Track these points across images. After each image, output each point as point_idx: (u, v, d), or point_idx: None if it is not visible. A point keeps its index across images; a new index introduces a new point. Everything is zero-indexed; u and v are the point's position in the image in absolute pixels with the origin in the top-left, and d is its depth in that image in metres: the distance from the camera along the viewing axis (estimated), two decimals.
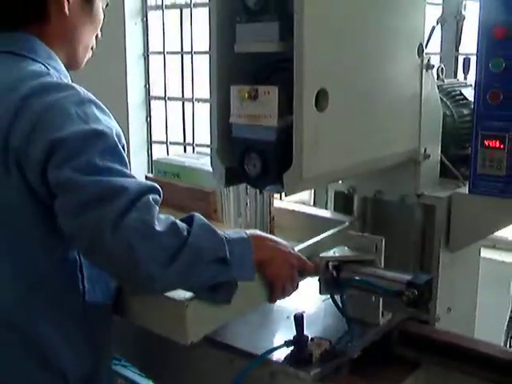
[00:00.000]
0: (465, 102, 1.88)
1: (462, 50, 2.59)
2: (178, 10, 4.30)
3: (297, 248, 1.60)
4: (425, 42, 1.67)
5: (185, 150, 4.36)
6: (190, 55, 4.21)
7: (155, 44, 4.40)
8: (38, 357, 1.36)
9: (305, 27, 1.26)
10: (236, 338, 1.56)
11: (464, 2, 2.44)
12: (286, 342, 1.45)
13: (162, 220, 1.24)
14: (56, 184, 1.24)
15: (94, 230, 1.21)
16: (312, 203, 3.62)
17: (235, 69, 1.41)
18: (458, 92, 1.91)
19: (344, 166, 1.47)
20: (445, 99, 1.86)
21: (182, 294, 1.36)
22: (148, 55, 4.42)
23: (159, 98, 4.46)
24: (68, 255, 1.36)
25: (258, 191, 1.72)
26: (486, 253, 2.48)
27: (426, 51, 1.66)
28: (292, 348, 1.45)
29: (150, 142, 4.54)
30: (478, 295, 1.99)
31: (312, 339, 1.46)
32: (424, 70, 1.64)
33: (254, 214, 1.79)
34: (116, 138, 1.31)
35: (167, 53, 4.33)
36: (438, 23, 2.21)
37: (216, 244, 1.30)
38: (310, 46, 1.28)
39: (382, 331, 1.60)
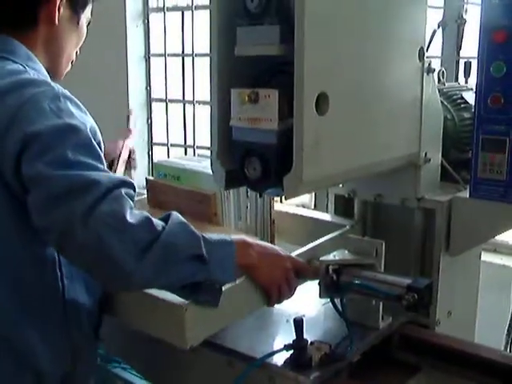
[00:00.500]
0: (466, 105, 1.88)
1: (462, 53, 2.59)
2: (180, 13, 4.30)
3: (297, 251, 1.60)
4: (426, 46, 1.67)
5: (185, 152, 4.36)
6: (191, 57, 4.21)
7: (156, 46, 4.40)
8: (13, 355, 1.36)
9: (305, 30, 1.26)
10: (235, 341, 1.56)
11: (465, 6, 2.44)
12: (285, 345, 1.45)
13: (135, 214, 1.25)
14: (28, 178, 1.26)
15: (64, 224, 1.21)
16: (312, 206, 3.63)
17: (236, 72, 1.41)
18: (459, 96, 1.91)
19: (344, 170, 1.46)
20: (446, 103, 1.85)
21: (180, 298, 1.36)
22: (149, 57, 4.42)
23: (160, 100, 4.45)
24: (46, 252, 1.37)
25: (258, 194, 1.72)
26: (486, 256, 2.48)
27: (426, 55, 1.65)
28: (291, 352, 1.44)
29: (150, 144, 4.54)
30: (479, 299, 1.98)
31: (312, 343, 1.46)
32: (425, 74, 1.64)
33: (254, 218, 1.78)
34: (90, 134, 1.32)
35: (168, 55, 4.33)
36: (439, 27, 2.20)
37: (191, 241, 1.31)
38: (310, 50, 1.27)
39: (382, 335, 1.60)
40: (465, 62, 2.11)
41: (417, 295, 1.38)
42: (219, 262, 1.34)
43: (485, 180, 1.59)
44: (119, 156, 2.15)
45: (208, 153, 2.62)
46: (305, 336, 1.45)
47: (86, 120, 1.35)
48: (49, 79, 1.46)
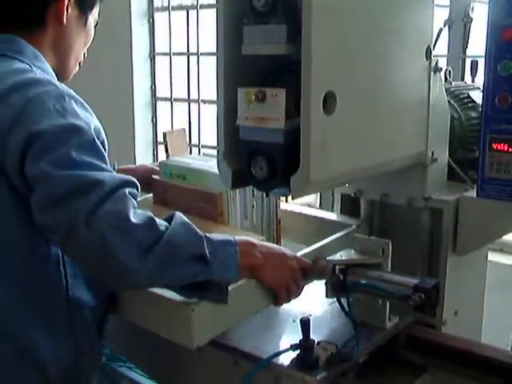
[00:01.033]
0: (473, 104, 1.87)
1: (469, 52, 2.57)
2: (185, 12, 4.30)
3: (303, 251, 1.60)
4: (433, 45, 1.66)
5: (190, 152, 4.36)
6: (196, 56, 4.21)
7: (161, 45, 4.40)
8: (18, 352, 1.37)
9: (312, 30, 1.25)
10: (242, 341, 1.55)
11: (471, 4, 2.43)
12: (291, 345, 1.44)
13: (138, 213, 1.25)
14: (32, 177, 1.26)
15: (68, 223, 1.21)
16: (318, 206, 3.63)
17: (242, 71, 1.40)
18: (466, 95, 1.90)
19: (351, 169, 1.46)
20: (452, 102, 1.85)
21: (187, 298, 1.35)
22: (154, 56, 4.43)
23: (165, 99, 4.46)
24: (49, 250, 1.37)
25: (264, 194, 1.72)
26: (493, 256, 2.48)
27: (433, 54, 1.65)
28: (298, 352, 1.44)
29: (155, 143, 4.54)
30: (485, 299, 1.97)
31: (318, 343, 1.46)
32: (432, 73, 1.63)
33: (260, 217, 1.78)
34: (94, 134, 1.32)
35: (173, 54, 4.33)
36: (445, 25, 2.19)
37: (194, 241, 1.30)
38: (317, 49, 1.27)
39: (389, 335, 1.59)
40: (471, 61, 2.10)
41: (424, 295, 1.38)
42: (222, 261, 1.34)
43: (492, 179, 1.58)
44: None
45: (213, 152, 2.61)
46: (311, 336, 1.44)
47: (90, 120, 1.35)
48: (55, 79, 1.46)
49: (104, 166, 1.30)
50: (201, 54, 4.16)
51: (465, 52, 2.54)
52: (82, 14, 1.55)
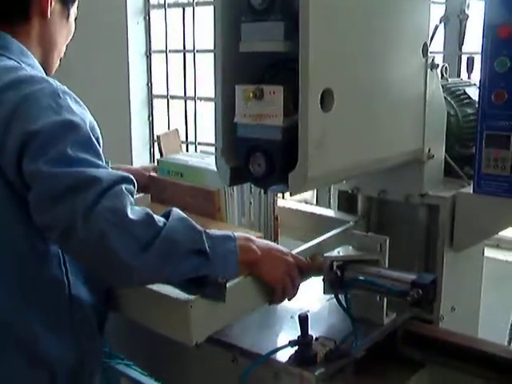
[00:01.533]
0: (469, 101, 1.88)
1: (465, 49, 2.58)
2: (181, 9, 4.29)
3: (301, 247, 1.61)
4: (429, 42, 1.66)
5: (187, 149, 4.36)
6: (192, 54, 4.21)
7: (158, 43, 4.40)
8: (23, 350, 1.37)
9: (310, 27, 1.26)
10: (240, 338, 1.56)
11: (467, 1, 2.43)
12: (290, 341, 1.45)
13: (136, 210, 1.25)
14: (29, 175, 1.26)
15: (66, 221, 1.22)
16: (314, 202, 3.63)
17: (240, 68, 1.41)
18: (462, 91, 1.90)
19: (349, 166, 1.46)
20: (449, 98, 1.85)
21: (185, 295, 1.36)
22: (150, 54, 4.42)
23: (161, 97, 4.45)
24: (50, 249, 1.37)
25: (262, 191, 1.72)
26: (489, 252, 2.48)
27: (429, 51, 1.65)
28: (296, 348, 1.44)
29: (152, 141, 4.54)
30: (482, 295, 1.98)
31: (316, 339, 1.46)
32: (429, 70, 1.64)
33: (257, 214, 1.78)
34: (89, 130, 1.32)
35: (169, 51, 4.33)
36: (441, 22, 2.19)
37: (192, 236, 1.31)
38: (315, 46, 1.27)
39: (387, 331, 1.60)
40: (467, 58, 2.11)
41: (421, 291, 1.39)
42: (222, 256, 1.35)
43: (489, 175, 1.59)
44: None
45: (210, 149, 2.62)
46: (309, 332, 1.45)
47: (85, 116, 1.36)
48: (44, 74, 1.46)
49: (99, 162, 1.30)
50: (197, 51, 4.16)
51: (461, 49, 2.55)
52: (65, 8, 1.54)
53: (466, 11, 2.36)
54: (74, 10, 1.59)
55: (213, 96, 1.47)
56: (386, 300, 1.58)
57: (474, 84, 1.95)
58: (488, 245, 2.29)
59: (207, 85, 3.93)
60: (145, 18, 4.37)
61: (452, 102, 1.86)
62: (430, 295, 1.41)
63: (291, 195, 1.42)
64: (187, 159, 1.89)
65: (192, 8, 4.12)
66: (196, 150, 4.20)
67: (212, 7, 1.42)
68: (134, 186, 1.33)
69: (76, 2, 1.60)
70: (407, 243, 1.74)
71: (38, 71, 1.46)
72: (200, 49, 4.12)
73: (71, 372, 1.43)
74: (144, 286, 1.38)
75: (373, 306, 1.59)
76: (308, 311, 1.49)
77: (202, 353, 1.51)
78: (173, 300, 1.37)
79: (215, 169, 1.49)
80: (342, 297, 1.52)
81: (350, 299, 1.51)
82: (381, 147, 1.53)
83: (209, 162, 1.78)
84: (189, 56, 4.27)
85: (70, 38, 1.62)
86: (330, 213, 1.96)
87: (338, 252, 1.56)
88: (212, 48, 1.44)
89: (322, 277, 1.54)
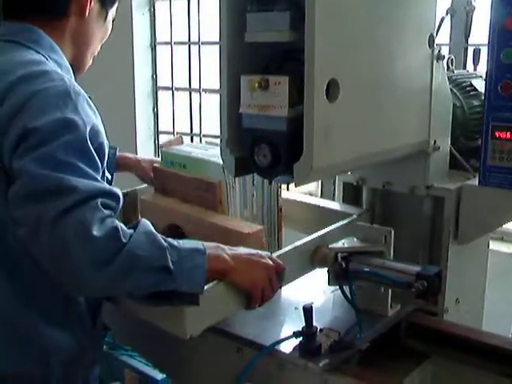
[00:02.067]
0: (475, 93, 1.87)
1: (471, 41, 2.57)
2: (186, 0, 4.29)
3: (306, 239, 1.60)
4: (435, 33, 1.65)
5: (191, 141, 4.36)
6: (197, 45, 4.20)
7: (162, 34, 4.39)
8: (20, 340, 1.38)
9: (316, 17, 1.25)
10: (244, 328, 1.56)
11: None
12: (294, 332, 1.45)
13: (103, 225, 1.23)
14: (16, 170, 1.27)
15: (34, 221, 1.22)
16: (319, 194, 3.63)
17: (245, 58, 1.40)
18: (468, 83, 1.90)
19: (354, 157, 1.46)
20: (455, 90, 1.84)
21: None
22: (155, 45, 4.42)
23: (166, 89, 4.45)
24: None
25: (264, 182, 1.72)
26: (494, 245, 2.48)
27: (435, 42, 1.64)
28: (301, 339, 1.45)
29: (156, 133, 4.54)
30: (486, 287, 1.98)
31: (321, 330, 1.46)
32: (435, 61, 1.63)
33: (260, 206, 1.78)
34: (88, 134, 1.31)
35: (174, 43, 4.33)
36: (447, 14, 2.18)
37: (155, 252, 1.29)
38: (321, 36, 1.27)
39: (391, 323, 1.60)
40: (474, 50, 2.10)
41: (426, 283, 1.39)
42: (187, 271, 1.32)
43: (494, 168, 1.58)
44: None
45: (214, 141, 2.61)
46: (314, 323, 1.45)
47: (90, 119, 1.35)
48: (70, 72, 1.47)
49: (88, 170, 1.28)
50: (202, 43, 4.15)
51: (467, 41, 2.53)
52: (103, 9, 1.56)
53: (473, 3, 2.35)
54: (112, 12, 1.61)
55: (218, 88, 1.47)
56: (390, 292, 1.58)
57: (480, 76, 1.94)
58: (493, 238, 2.29)
59: (212, 77, 3.94)
60: (150, 9, 4.37)
61: (458, 94, 1.85)
62: (434, 287, 1.41)
63: (296, 186, 1.42)
64: (190, 150, 1.89)
65: None
66: (201, 142, 4.20)
67: None
68: (118, 201, 1.31)
69: (115, 5, 1.61)
70: (412, 235, 1.74)
71: (64, 68, 1.46)
72: (205, 41, 4.12)
73: (67, 366, 1.43)
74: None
75: (377, 298, 1.59)
76: (312, 302, 1.48)
77: (207, 343, 1.52)
78: None
79: (218, 160, 1.49)
80: (346, 288, 1.51)
81: (354, 291, 1.51)
82: (386, 138, 1.53)
83: (212, 154, 1.78)
84: (194, 48, 4.27)
85: (105, 39, 1.63)
86: (334, 205, 1.96)
87: (343, 243, 1.56)
88: (217, 40, 1.43)
89: (326, 268, 1.54)
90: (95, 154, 1.32)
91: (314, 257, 1.61)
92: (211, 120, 4.16)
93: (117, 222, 1.27)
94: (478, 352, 1.53)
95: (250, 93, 1.36)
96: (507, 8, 1.50)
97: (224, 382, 1.54)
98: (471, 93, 1.87)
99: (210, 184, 1.74)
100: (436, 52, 1.63)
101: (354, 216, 1.80)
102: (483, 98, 1.60)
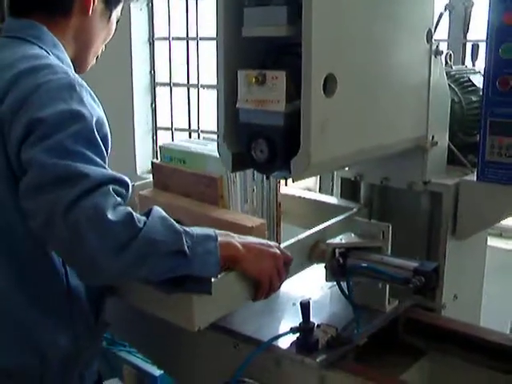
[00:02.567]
0: (473, 88, 1.87)
1: (469, 36, 2.57)
2: None
3: (303, 234, 1.60)
4: (434, 28, 1.65)
5: (190, 137, 4.36)
6: (195, 41, 4.20)
7: (160, 30, 4.38)
8: (17, 335, 1.38)
9: (313, 11, 1.25)
10: (242, 324, 1.56)
11: None
12: (292, 328, 1.45)
13: (117, 210, 1.24)
14: (25, 162, 1.27)
15: (47, 212, 1.22)
16: (317, 190, 3.63)
17: (243, 53, 1.40)
18: (467, 78, 1.89)
19: (351, 152, 1.46)
20: (453, 86, 1.84)
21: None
22: (153, 41, 4.41)
23: (164, 84, 4.44)
24: None
25: (264, 177, 1.71)
26: (492, 241, 2.48)
27: (434, 38, 1.64)
28: (298, 334, 1.45)
29: (155, 129, 4.54)
30: (484, 283, 1.98)
31: (318, 326, 1.46)
32: (433, 56, 1.62)
33: (260, 200, 1.78)
34: (95, 125, 1.32)
35: (173, 38, 4.32)
36: (445, 9, 2.18)
37: (172, 237, 1.29)
38: (318, 31, 1.26)
39: (389, 318, 1.60)
40: (472, 45, 2.09)
41: (424, 278, 1.39)
42: (201, 256, 1.32)
43: (492, 163, 1.58)
44: None
45: (213, 136, 2.61)
46: (311, 319, 1.45)
47: (95, 111, 1.35)
48: (72, 69, 1.46)
49: (97, 159, 1.29)
50: (200, 38, 4.15)
51: (465, 36, 2.54)
52: (107, 9, 1.56)
53: None
54: (116, 12, 1.61)
55: (216, 84, 1.46)
56: (388, 287, 1.58)
57: (479, 71, 1.94)
58: (491, 234, 2.29)
59: (210, 72, 3.93)
60: (148, 4, 4.36)
61: (456, 90, 1.85)
62: (432, 283, 1.41)
63: (293, 181, 1.42)
64: (190, 146, 1.88)
65: None
66: (199, 138, 4.20)
67: None
68: (127, 188, 1.31)
69: (120, 5, 1.61)
70: (410, 231, 1.74)
71: (66, 64, 1.46)
72: (203, 36, 4.11)
73: (65, 361, 1.43)
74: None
75: (375, 294, 1.59)
76: (310, 298, 1.49)
77: (205, 339, 1.52)
78: None
79: (218, 155, 1.49)
80: (344, 284, 1.51)
81: (352, 286, 1.51)
82: (384, 133, 1.52)
83: (211, 149, 1.77)
84: (192, 44, 4.26)
85: (108, 38, 1.63)
86: (332, 200, 1.96)
87: (341, 239, 1.56)
88: (215, 35, 1.43)
89: (324, 264, 1.54)
90: (102, 145, 1.32)
91: (311, 252, 1.60)
92: (209, 116, 4.16)
93: (129, 208, 1.27)
94: (476, 348, 1.54)
95: (247, 88, 1.36)
96: (505, 3, 1.50)
97: (222, 378, 1.54)
98: (469, 88, 1.87)
99: (211, 179, 1.74)
100: (434, 47, 1.63)
101: (354, 211, 1.80)
102: (481, 93, 1.60)
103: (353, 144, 1.44)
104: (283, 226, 1.84)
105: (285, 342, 1.46)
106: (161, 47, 4.43)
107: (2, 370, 1.38)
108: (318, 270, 1.60)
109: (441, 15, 2.08)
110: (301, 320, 1.44)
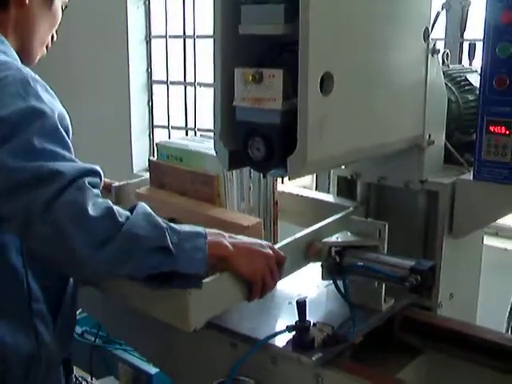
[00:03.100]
0: (470, 87, 1.87)
1: (466, 35, 2.56)
2: None
3: (300, 233, 1.60)
4: (431, 27, 1.65)
5: (186, 135, 4.35)
6: (192, 39, 4.19)
7: (157, 28, 4.38)
8: None
9: (310, 9, 1.25)
10: (238, 323, 1.56)
11: None
12: (288, 326, 1.45)
13: (97, 204, 1.23)
14: None
15: (23, 214, 1.20)
16: (314, 188, 3.63)
17: (240, 51, 1.39)
18: (464, 78, 1.89)
19: (348, 151, 1.45)
20: (450, 85, 1.84)
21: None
22: (150, 39, 4.40)
23: (161, 82, 4.44)
24: (6, 238, 1.35)
25: (261, 175, 1.71)
26: (488, 240, 2.48)
27: (430, 37, 1.64)
28: (294, 333, 1.44)
29: (151, 127, 4.53)
30: (481, 282, 1.98)
31: (314, 324, 1.46)
32: (430, 55, 1.62)
33: (257, 199, 1.78)
34: (57, 120, 1.29)
35: (169, 37, 4.31)
36: (442, 8, 2.18)
37: (155, 232, 1.28)
38: (315, 29, 1.26)
39: (385, 317, 1.60)
40: (469, 44, 2.09)
41: (420, 277, 1.39)
42: (188, 253, 1.31)
43: (489, 162, 1.58)
44: None
45: (210, 134, 2.61)
46: (307, 317, 1.44)
47: (54, 105, 1.32)
48: (19, 63, 1.42)
49: (66, 153, 1.27)
50: (197, 36, 4.14)
51: (462, 35, 2.53)
52: None
53: None
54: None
55: (212, 82, 1.46)
56: (384, 286, 1.58)
57: (476, 71, 1.94)
58: (487, 233, 2.29)
59: (207, 70, 3.93)
60: (144, 2, 4.35)
61: (453, 89, 1.85)
62: (428, 281, 1.41)
63: (290, 179, 1.41)
64: (187, 143, 1.88)
65: None
66: (195, 136, 4.20)
67: None
68: (101, 179, 1.30)
69: None
70: (406, 229, 1.74)
71: (13, 59, 1.42)
72: (200, 34, 4.11)
73: (27, 363, 1.41)
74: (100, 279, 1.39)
75: (371, 292, 1.59)
76: (306, 297, 1.48)
77: (201, 338, 1.51)
78: None
79: (214, 153, 1.48)
80: (340, 282, 1.51)
81: (348, 285, 1.51)
82: (381, 132, 1.52)
83: (208, 147, 1.77)
84: (189, 42, 4.26)
85: (55, 27, 1.57)
86: (329, 198, 1.95)
87: (337, 238, 1.56)
88: (212, 33, 1.42)
89: (320, 262, 1.54)
90: (67, 138, 1.30)
91: (308, 251, 1.60)
92: (206, 114, 4.16)
93: (109, 201, 1.26)
94: (472, 346, 1.54)
95: (244, 86, 1.35)
96: (502, 3, 1.50)
97: (218, 377, 1.53)
98: (466, 87, 1.87)
99: (207, 177, 1.74)
100: (431, 46, 1.63)
101: (350, 209, 1.80)
102: (478, 92, 1.60)
103: (349, 142, 1.44)
104: (280, 223, 1.84)
105: (281, 341, 1.46)
106: (158, 45, 4.43)
107: None
108: (314, 269, 1.60)
109: (438, 14, 2.08)
110: (297, 318, 1.44)
